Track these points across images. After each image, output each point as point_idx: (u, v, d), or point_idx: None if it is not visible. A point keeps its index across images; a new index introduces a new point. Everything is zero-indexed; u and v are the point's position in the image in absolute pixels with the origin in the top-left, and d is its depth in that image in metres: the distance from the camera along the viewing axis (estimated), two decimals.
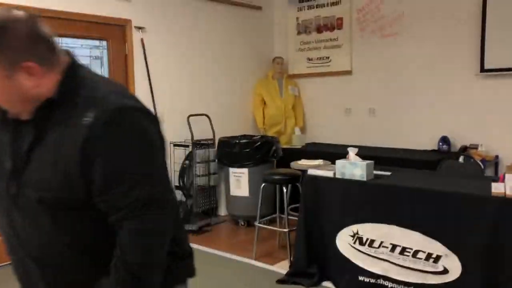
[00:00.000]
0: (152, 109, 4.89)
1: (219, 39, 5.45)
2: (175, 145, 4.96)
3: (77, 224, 1.06)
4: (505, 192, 2.64)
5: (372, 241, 3.10)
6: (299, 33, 5.90)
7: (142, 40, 4.65)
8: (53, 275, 1.11)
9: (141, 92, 4.69)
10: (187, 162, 4.92)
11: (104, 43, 4.49)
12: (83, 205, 1.03)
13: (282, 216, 4.13)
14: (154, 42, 4.78)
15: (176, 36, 4.99)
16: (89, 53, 4.41)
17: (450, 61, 4.71)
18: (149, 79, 4.74)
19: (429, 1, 4.78)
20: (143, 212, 1.01)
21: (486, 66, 4.43)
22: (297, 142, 5.49)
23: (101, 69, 4.50)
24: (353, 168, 3.20)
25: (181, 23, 5.03)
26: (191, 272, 1.27)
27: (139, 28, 4.62)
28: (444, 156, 4.06)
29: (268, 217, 4.46)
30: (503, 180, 2.66)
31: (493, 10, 4.34)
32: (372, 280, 3.11)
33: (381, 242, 3.07)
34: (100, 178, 1.00)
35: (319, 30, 5.70)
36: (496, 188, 2.67)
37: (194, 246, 4.30)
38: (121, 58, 4.59)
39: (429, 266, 2.90)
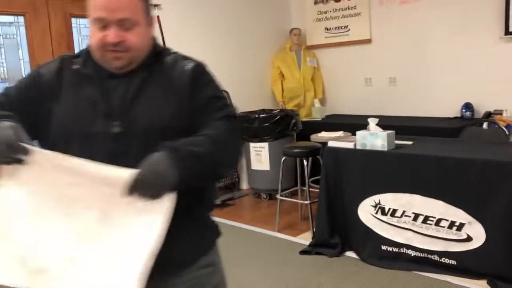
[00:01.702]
0: None
1: (234, 12, 5.40)
2: None
3: None
4: None
5: (394, 210, 3.10)
6: (316, 2, 5.79)
7: (158, 17, 4.65)
8: None
9: None
10: None
11: None
12: (182, 133, 1.24)
13: (303, 188, 4.15)
14: (170, 19, 4.77)
15: (190, 11, 4.96)
16: None
17: (473, 25, 4.57)
18: None
19: None
20: (226, 118, 1.32)
21: (511, 29, 4.29)
22: (317, 115, 5.46)
23: None
24: (374, 138, 3.18)
25: None
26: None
27: (155, 5, 4.61)
28: (467, 123, 3.99)
29: (290, 190, 4.49)
30: None
31: None
32: (395, 249, 3.13)
33: (403, 212, 3.07)
34: (209, 97, 1.32)
35: None
36: None
37: (217, 219, 4.38)
38: None
39: (452, 234, 2.90)
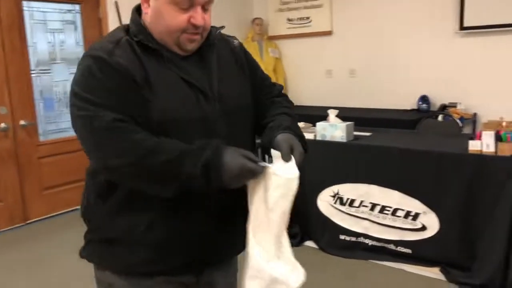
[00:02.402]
0: None
1: None
2: None
3: (252, 125, 1.35)
4: (481, 149, 2.68)
5: (352, 200, 3.15)
6: None
7: (116, 3, 4.50)
8: None
9: None
10: None
11: (77, 6, 4.34)
12: (253, 109, 1.34)
13: None
14: (129, 5, 4.63)
15: None
16: (62, 18, 4.26)
17: (430, 19, 4.68)
18: None
19: None
20: (282, 93, 1.46)
21: (466, 24, 4.41)
22: None
23: (75, 34, 4.36)
24: (333, 129, 3.21)
25: None
26: None
27: None
28: (423, 115, 4.10)
29: None
30: (479, 138, 2.70)
31: None
32: (353, 239, 3.18)
33: (361, 202, 3.12)
34: (261, 73, 1.41)
35: None
36: (473, 146, 2.71)
37: None
38: (95, 23, 4.44)
39: (408, 224, 2.97)
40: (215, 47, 1.27)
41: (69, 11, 4.30)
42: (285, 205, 1.17)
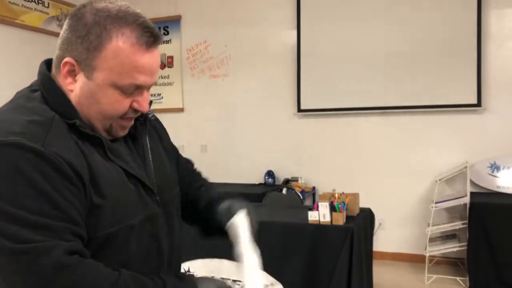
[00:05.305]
0: None
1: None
2: None
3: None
4: (319, 220, 2.91)
5: None
6: None
7: None
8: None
9: None
10: None
11: None
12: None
13: None
14: None
15: None
16: None
17: (272, 102, 5.12)
18: None
19: (253, 45, 5.18)
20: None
21: (302, 107, 4.93)
22: None
23: None
24: None
25: None
26: None
27: None
28: (269, 189, 4.34)
29: None
30: (317, 209, 2.94)
31: (305, 57, 4.90)
32: None
33: (212, 277, 3.09)
34: (177, 151, 1.29)
35: None
36: (312, 216, 2.93)
37: None
38: None
39: None
40: (147, 127, 1.11)
41: None
42: None
